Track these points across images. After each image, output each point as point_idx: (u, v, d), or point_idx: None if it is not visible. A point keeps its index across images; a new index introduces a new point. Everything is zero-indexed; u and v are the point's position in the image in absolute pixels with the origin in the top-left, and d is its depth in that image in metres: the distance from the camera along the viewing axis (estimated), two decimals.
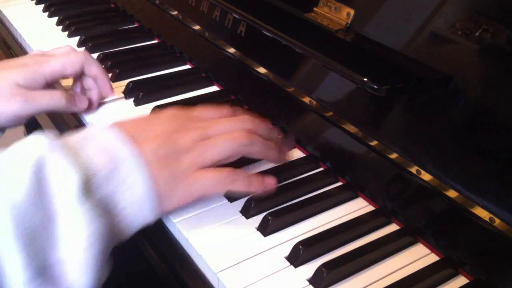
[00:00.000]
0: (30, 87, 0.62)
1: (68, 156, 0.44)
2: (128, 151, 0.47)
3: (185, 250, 0.51)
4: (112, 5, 1.01)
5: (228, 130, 0.53)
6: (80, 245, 0.42)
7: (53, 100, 0.63)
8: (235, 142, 0.52)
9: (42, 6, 0.98)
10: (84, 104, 0.67)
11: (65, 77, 0.67)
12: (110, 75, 0.76)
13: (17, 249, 0.40)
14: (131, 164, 0.47)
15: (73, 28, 0.89)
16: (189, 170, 0.50)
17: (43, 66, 0.63)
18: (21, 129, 1.44)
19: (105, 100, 0.71)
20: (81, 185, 0.43)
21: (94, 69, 0.67)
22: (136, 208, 0.47)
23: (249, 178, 0.52)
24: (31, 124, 1.27)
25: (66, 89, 0.71)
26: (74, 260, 0.42)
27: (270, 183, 0.53)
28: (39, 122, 0.88)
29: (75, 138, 0.48)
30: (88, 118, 0.67)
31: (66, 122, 0.73)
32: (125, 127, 0.50)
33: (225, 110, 0.57)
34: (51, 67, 0.64)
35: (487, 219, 0.47)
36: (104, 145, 0.47)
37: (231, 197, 0.55)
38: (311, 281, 0.47)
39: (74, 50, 0.69)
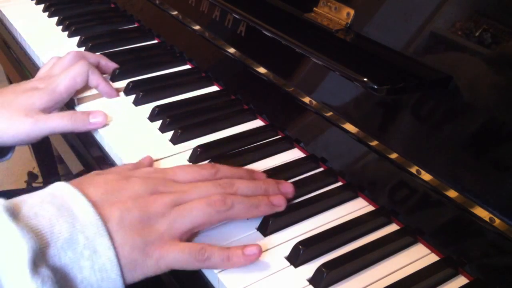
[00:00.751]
0: (48, 109, 0.66)
1: (20, 222, 0.41)
2: (90, 217, 0.43)
3: None
4: (112, 5, 1.01)
5: (203, 193, 0.49)
6: None
7: (63, 121, 0.65)
8: (211, 208, 0.48)
9: (42, 6, 0.99)
10: (99, 119, 0.66)
11: (77, 89, 0.69)
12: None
13: None
14: (93, 231, 0.43)
15: (73, 28, 0.89)
16: (160, 240, 0.46)
17: (56, 86, 0.67)
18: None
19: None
20: (30, 257, 0.39)
21: (94, 79, 0.70)
22: (97, 278, 0.43)
23: (228, 253, 0.47)
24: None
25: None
26: None
27: (253, 252, 0.48)
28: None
29: (34, 197, 0.44)
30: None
31: None
32: (94, 187, 0.47)
33: (203, 171, 0.53)
34: (64, 85, 0.67)
35: (487, 219, 0.47)
36: (66, 208, 0.43)
37: None
38: (311, 281, 0.47)
39: (77, 55, 0.72)
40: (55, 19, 0.93)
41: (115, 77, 0.76)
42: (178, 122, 0.66)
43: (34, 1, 1.01)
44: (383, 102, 0.56)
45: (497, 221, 0.46)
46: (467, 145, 0.49)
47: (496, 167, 0.47)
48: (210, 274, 0.48)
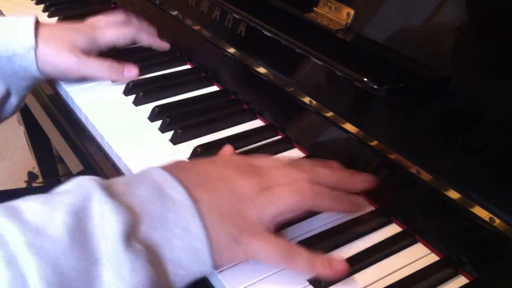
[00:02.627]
0: (86, 51, 0.71)
1: (114, 198, 0.41)
2: (181, 197, 0.43)
3: None
4: (112, 5, 1.01)
5: (289, 179, 0.48)
6: None
7: (101, 67, 0.71)
8: (299, 197, 0.46)
9: (42, 6, 0.98)
10: (132, 73, 0.74)
11: (115, 47, 0.76)
12: None
13: None
14: (184, 211, 0.42)
15: None
16: (251, 228, 0.45)
17: (101, 35, 0.74)
18: (21, 129, 1.44)
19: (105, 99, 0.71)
20: (124, 230, 0.39)
21: (145, 39, 0.79)
22: (186, 258, 0.42)
23: (313, 260, 0.45)
24: (32, 126, 1.28)
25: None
26: None
27: (341, 268, 0.45)
28: (40, 125, 0.88)
29: (126, 178, 0.44)
30: (90, 117, 0.67)
31: (64, 120, 0.73)
32: (183, 171, 0.46)
33: (281, 158, 0.53)
34: (107, 38, 0.74)
35: (487, 219, 0.47)
36: (157, 187, 0.43)
37: None
38: (311, 281, 0.47)
39: (125, 17, 0.78)
40: (55, 19, 0.93)
41: None
42: (178, 122, 0.66)
43: (34, 1, 1.01)
44: (383, 102, 0.56)
45: (497, 221, 0.46)
46: (467, 145, 0.49)
47: (496, 167, 0.47)
48: (211, 274, 0.48)
